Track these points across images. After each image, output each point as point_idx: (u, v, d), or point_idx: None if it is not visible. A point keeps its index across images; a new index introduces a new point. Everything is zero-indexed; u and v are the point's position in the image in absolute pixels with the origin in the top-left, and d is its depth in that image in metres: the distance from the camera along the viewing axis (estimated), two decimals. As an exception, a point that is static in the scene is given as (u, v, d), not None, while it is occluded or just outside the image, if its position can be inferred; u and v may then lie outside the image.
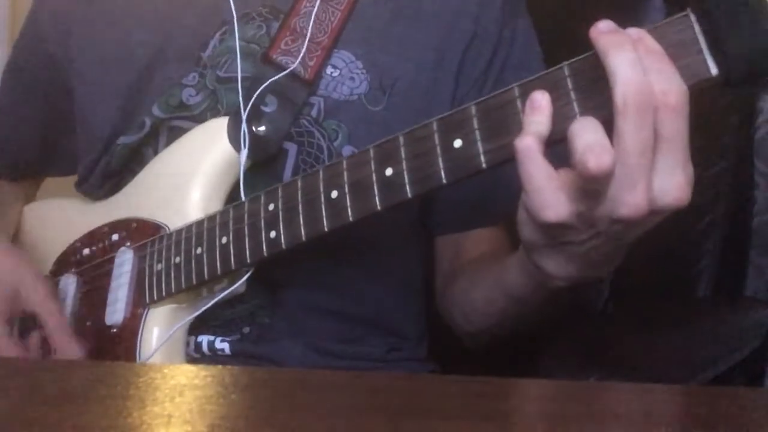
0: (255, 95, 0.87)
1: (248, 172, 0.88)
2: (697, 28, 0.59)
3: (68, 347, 0.88)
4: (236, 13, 0.92)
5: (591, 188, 0.60)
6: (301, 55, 0.90)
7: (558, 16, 1.14)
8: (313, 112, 0.91)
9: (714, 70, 0.59)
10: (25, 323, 0.93)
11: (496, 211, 0.92)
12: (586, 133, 0.59)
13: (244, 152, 0.87)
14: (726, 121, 1.03)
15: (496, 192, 0.88)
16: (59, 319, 0.90)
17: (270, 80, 0.88)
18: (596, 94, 0.62)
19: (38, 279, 0.93)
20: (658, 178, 0.59)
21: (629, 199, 0.59)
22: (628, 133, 0.58)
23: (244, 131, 0.87)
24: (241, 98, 0.88)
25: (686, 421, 0.49)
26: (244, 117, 0.87)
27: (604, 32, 0.61)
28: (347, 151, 0.90)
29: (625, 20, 1.10)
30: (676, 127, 0.59)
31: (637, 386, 0.59)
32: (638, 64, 0.59)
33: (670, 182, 0.59)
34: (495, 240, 0.96)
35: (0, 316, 0.89)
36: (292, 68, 0.89)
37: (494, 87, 0.92)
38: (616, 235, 0.64)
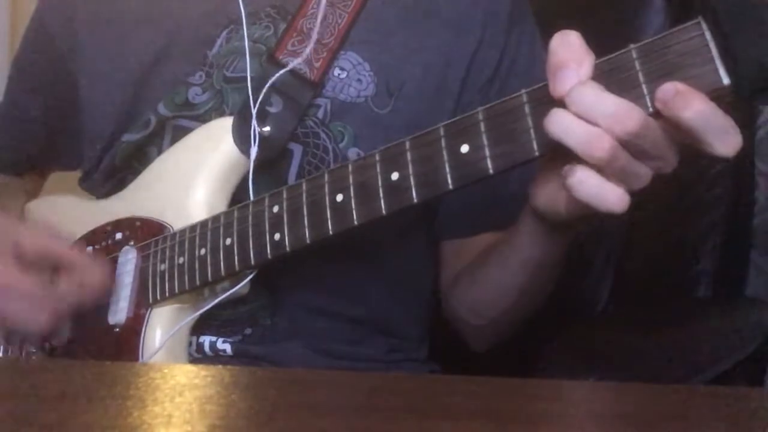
0: (261, 95, 0.87)
1: (252, 172, 0.88)
2: (708, 35, 0.58)
3: (90, 267, 0.86)
4: (244, 12, 0.92)
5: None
6: (307, 55, 0.90)
7: (559, 15, 1.14)
8: (319, 114, 0.91)
9: (726, 80, 0.58)
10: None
11: (502, 216, 0.92)
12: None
13: (254, 151, 0.87)
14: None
15: (500, 197, 0.88)
16: (71, 248, 0.88)
17: (272, 78, 0.88)
18: None
19: (40, 229, 0.91)
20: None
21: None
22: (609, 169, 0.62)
23: (254, 130, 0.87)
24: (251, 98, 0.87)
25: (686, 421, 0.49)
26: (254, 116, 0.87)
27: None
28: (353, 153, 0.90)
29: (625, 20, 1.11)
30: (644, 145, 0.61)
31: (637, 386, 0.60)
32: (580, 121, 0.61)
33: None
34: (493, 239, 0.96)
35: (12, 263, 0.83)
36: (292, 65, 0.89)
37: (499, 92, 0.93)
38: None
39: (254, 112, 0.87)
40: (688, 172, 1.05)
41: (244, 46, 0.91)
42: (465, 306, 0.94)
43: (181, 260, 0.86)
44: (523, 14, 0.98)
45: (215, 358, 0.91)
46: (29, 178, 1.17)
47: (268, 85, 0.88)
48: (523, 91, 0.66)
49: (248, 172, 0.87)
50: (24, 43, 1.10)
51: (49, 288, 0.84)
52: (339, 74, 0.91)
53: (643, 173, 0.63)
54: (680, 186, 1.06)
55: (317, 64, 0.90)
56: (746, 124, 1.01)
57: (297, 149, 0.90)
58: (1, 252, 0.84)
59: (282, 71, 0.88)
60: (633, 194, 0.64)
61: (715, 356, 0.85)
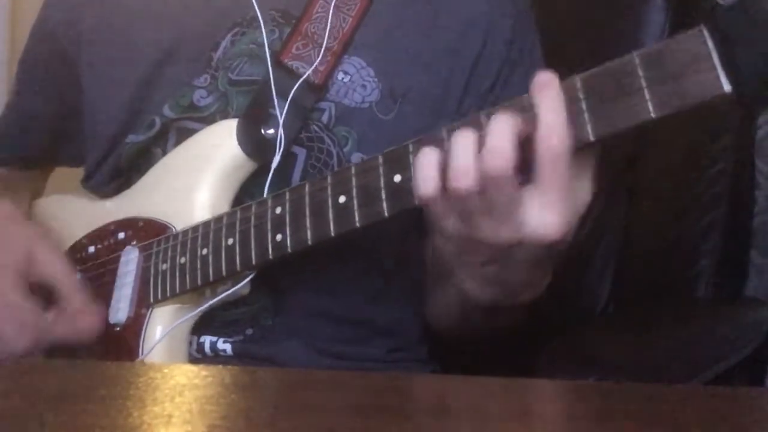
0: (286, 105, 0.87)
1: (256, 175, 0.88)
2: (710, 43, 0.58)
3: (86, 314, 0.85)
4: (247, 16, 0.92)
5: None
6: (314, 61, 0.90)
7: (560, 14, 1.14)
8: (324, 118, 0.91)
9: (727, 87, 0.58)
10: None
11: None
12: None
13: (277, 158, 0.86)
14: (726, 121, 1.03)
15: None
16: (77, 286, 0.87)
17: (292, 91, 0.88)
18: None
19: (55, 248, 0.91)
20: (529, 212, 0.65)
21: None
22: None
23: (280, 138, 0.87)
24: (276, 103, 0.87)
25: (686, 421, 0.49)
26: (281, 124, 0.87)
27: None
28: (356, 158, 0.90)
29: (625, 20, 1.11)
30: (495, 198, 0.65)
31: (637, 386, 0.60)
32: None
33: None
34: None
35: (17, 280, 0.85)
36: (306, 75, 0.89)
37: (497, 101, 0.92)
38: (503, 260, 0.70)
39: (281, 120, 0.87)
40: (688, 172, 1.05)
41: (250, 49, 0.92)
42: (427, 311, 0.97)
43: (183, 260, 0.86)
44: (525, 26, 0.98)
45: (215, 358, 0.91)
46: (33, 173, 1.17)
47: (290, 98, 0.87)
48: (525, 96, 0.66)
49: (251, 174, 0.88)
50: (29, 43, 1.10)
51: (40, 317, 0.85)
52: (343, 78, 0.91)
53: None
54: (680, 185, 1.06)
55: (321, 68, 0.90)
56: (746, 124, 1.01)
57: (301, 153, 0.90)
58: (11, 266, 0.85)
59: (300, 81, 0.88)
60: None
61: (715, 356, 0.85)
